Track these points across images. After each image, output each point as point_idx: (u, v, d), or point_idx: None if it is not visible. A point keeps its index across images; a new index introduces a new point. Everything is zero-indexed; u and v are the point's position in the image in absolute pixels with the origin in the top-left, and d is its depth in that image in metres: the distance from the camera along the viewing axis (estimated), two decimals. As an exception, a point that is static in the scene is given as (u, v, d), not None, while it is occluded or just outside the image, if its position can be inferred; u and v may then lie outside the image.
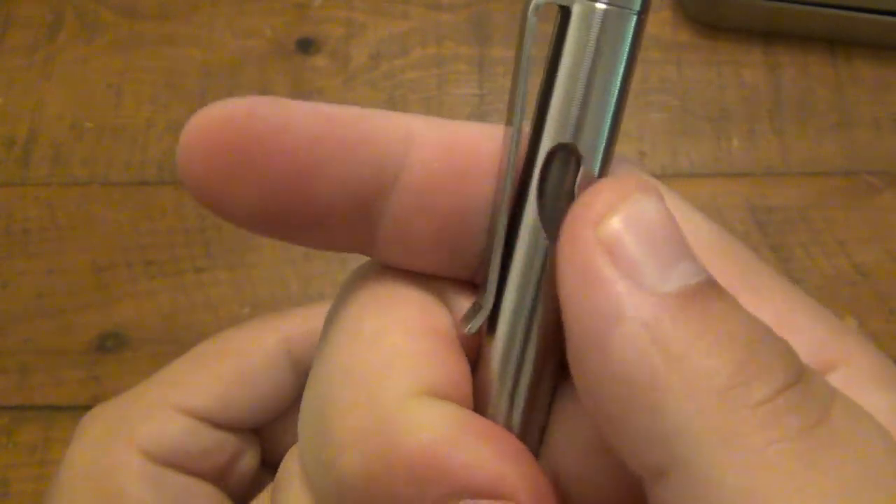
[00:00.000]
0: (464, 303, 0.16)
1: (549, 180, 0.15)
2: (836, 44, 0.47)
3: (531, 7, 0.14)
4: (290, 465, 0.16)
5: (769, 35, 0.47)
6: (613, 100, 0.14)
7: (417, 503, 0.13)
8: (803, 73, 0.46)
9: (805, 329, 0.14)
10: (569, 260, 0.13)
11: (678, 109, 0.45)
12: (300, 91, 0.47)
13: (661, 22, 0.48)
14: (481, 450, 0.13)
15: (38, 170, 0.46)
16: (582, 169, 0.14)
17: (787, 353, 0.13)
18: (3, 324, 0.42)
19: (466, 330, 0.15)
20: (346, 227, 0.15)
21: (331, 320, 0.16)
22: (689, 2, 0.47)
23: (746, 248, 0.16)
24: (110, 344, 0.42)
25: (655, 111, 0.45)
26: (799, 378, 0.12)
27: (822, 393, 0.12)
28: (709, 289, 0.13)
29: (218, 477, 0.27)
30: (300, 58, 0.48)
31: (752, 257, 0.16)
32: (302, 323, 0.28)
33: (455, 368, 0.15)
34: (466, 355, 0.16)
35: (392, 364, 0.14)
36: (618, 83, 0.14)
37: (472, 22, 0.49)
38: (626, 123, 0.53)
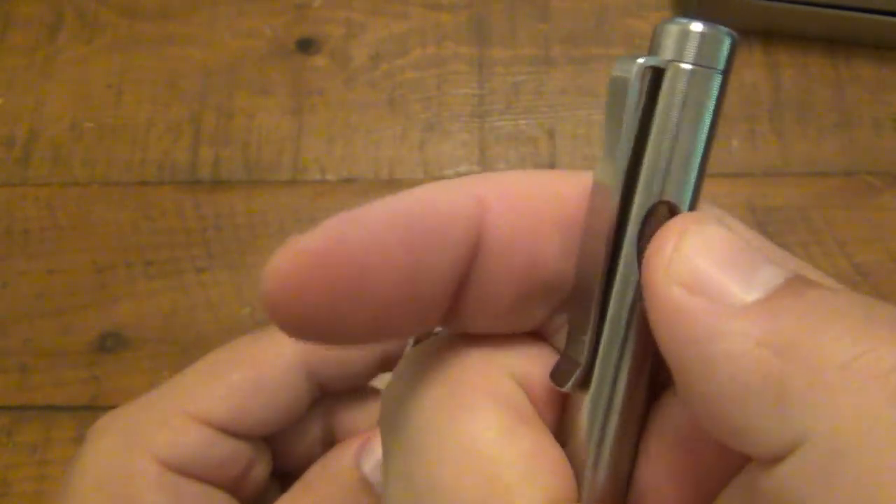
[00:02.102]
0: (526, 364, 0.16)
1: (643, 235, 0.15)
2: (836, 44, 0.47)
3: (635, 71, 0.15)
4: None
5: (769, 35, 0.47)
6: (700, 153, 0.15)
7: None
8: (803, 73, 0.46)
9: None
10: (655, 307, 0.14)
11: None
12: (300, 91, 0.47)
13: (661, 22, 0.48)
14: None
15: (38, 170, 0.46)
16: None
17: None
18: (3, 324, 0.42)
19: (564, 388, 0.15)
20: (428, 312, 0.15)
21: (405, 414, 0.16)
22: (689, 2, 0.47)
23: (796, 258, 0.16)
24: (110, 344, 0.42)
25: (655, 111, 0.45)
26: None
27: None
28: (797, 283, 0.13)
29: (232, 485, 0.27)
30: (300, 58, 0.48)
31: (809, 266, 0.16)
32: None
33: (558, 460, 0.15)
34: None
35: (510, 487, 0.14)
36: (703, 139, 0.15)
37: (472, 22, 0.49)
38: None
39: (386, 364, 0.29)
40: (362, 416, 0.30)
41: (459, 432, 0.15)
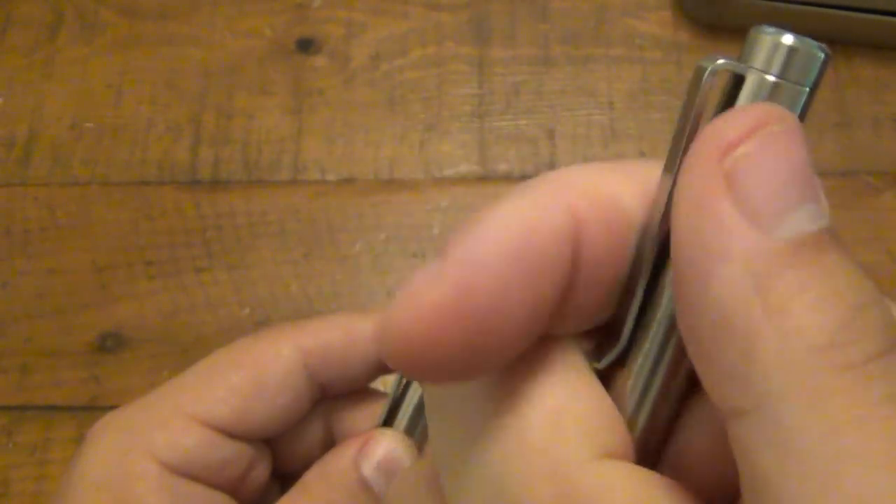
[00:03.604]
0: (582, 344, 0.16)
1: None
2: (836, 44, 0.47)
3: (707, 71, 0.14)
4: None
5: (769, 35, 0.47)
6: None
7: None
8: (803, 73, 0.46)
9: None
10: (687, 186, 0.13)
11: (678, 109, 0.45)
12: (300, 91, 0.47)
13: (661, 22, 0.48)
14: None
15: (38, 170, 0.46)
16: None
17: (888, 321, 0.12)
18: (3, 324, 0.42)
19: (599, 365, 0.15)
20: (542, 328, 0.14)
21: (473, 393, 0.15)
22: (689, 2, 0.47)
23: None
24: (110, 344, 0.42)
25: (655, 111, 0.45)
26: (893, 348, 0.12)
27: None
28: (825, 239, 0.12)
29: (232, 487, 0.27)
30: (300, 58, 0.48)
31: None
32: (318, 334, 0.28)
33: (616, 420, 0.15)
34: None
35: (566, 429, 0.14)
36: None
37: (472, 22, 0.49)
38: (626, 123, 0.53)
39: (386, 366, 0.29)
40: (362, 417, 0.30)
41: (526, 390, 0.15)
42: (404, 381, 0.29)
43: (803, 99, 0.14)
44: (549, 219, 0.14)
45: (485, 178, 0.45)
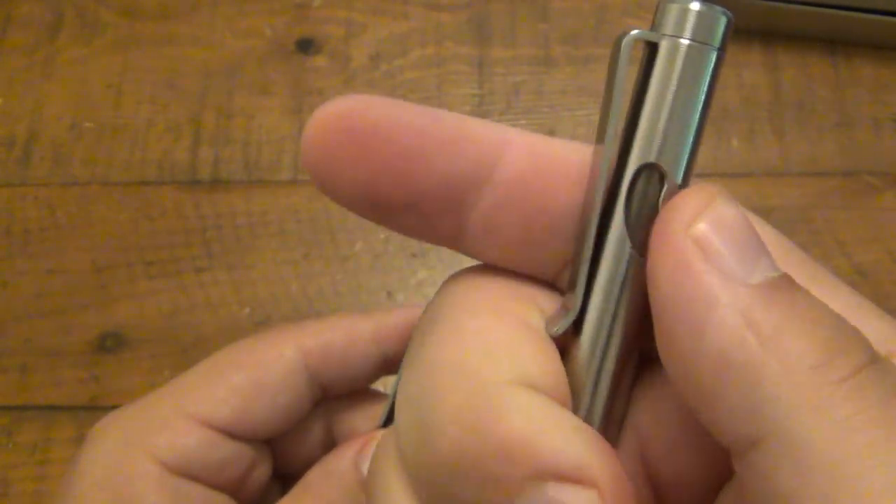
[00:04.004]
0: (548, 306, 0.17)
1: (634, 195, 0.16)
2: (836, 44, 0.47)
3: (625, 41, 0.16)
4: (382, 455, 0.17)
5: (769, 35, 0.47)
6: (694, 124, 0.16)
7: (505, 482, 0.14)
8: (803, 73, 0.46)
9: (870, 322, 0.16)
10: (663, 257, 0.15)
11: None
12: (300, 91, 0.47)
13: (661, 22, 0.48)
14: (570, 439, 0.15)
15: (38, 170, 0.46)
16: (666, 184, 0.16)
17: (862, 337, 0.14)
18: (3, 324, 0.42)
19: (553, 332, 0.16)
20: (439, 214, 0.16)
21: (430, 318, 0.17)
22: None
23: (801, 250, 0.18)
24: (110, 344, 0.42)
25: (655, 111, 0.45)
26: (874, 359, 0.14)
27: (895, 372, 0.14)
28: (787, 282, 0.14)
29: (233, 487, 0.27)
30: (300, 58, 0.48)
31: (810, 258, 0.17)
32: (319, 335, 0.28)
33: (551, 365, 0.16)
34: None
35: (494, 354, 0.15)
36: (698, 110, 0.16)
37: (472, 22, 0.49)
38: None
39: (387, 367, 0.29)
40: (363, 418, 0.30)
41: (470, 320, 0.16)
42: None
43: (713, 58, 0.16)
44: (477, 123, 0.17)
45: (485, 178, 0.45)
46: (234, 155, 0.46)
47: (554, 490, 0.14)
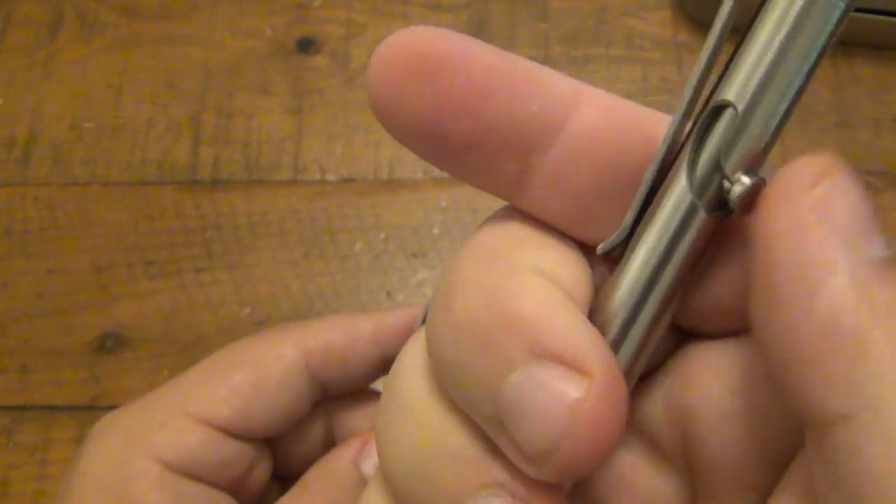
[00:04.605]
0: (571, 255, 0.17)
1: (709, 140, 0.15)
2: (837, 44, 0.47)
3: None
4: (409, 353, 0.18)
5: (769, 35, 0.47)
6: (798, 81, 0.15)
7: (506, 353, 0.15)
8: (803, 73, 0.46)
9: None
10: (778, 215, 0.14)
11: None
12: (300, 91, 0.47)
13: (661, 22, 0.48)
14: (576, 328, 0.15)
15: (38, 170, 0.46)
16: (746, 138, 0.15)
17: None
18: (3, 324, 0.42)
19: (599, 249, 0.16)
20: (504, 158, 0.16)
21: (463, 254, 0.17)
22: (689, 2, 0.47)
23: None
24: (110, 344, 0.42)
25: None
26: None
27: None
28: None
29: (233, 486, 0.27)
30: (300, 58, 0.48)
31: None
32: (319, 334, 0.28)
33: (578, 272, 0.16)
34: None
35: (526, 245, 0.16)
36: (806, 67, 0.15)
37: (472, 22, 0.49)
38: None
39: (386, 366, 0.29)
40: (363, 418, 0.30)
41: (502, 246, 0.16)
42: None
43: (838, 13, 0.15)
44: (552, 73, 0.16)
45: (485, 178, 0.45)
46: (234, 155, 0.46)
47: (549, 369, 0.14)
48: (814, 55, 0.15)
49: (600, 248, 0.16)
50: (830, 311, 0.13)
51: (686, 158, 0.15)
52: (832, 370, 0.13)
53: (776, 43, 0.15)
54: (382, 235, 0.44)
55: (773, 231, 0.14)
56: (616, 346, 0.16)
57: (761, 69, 0.15)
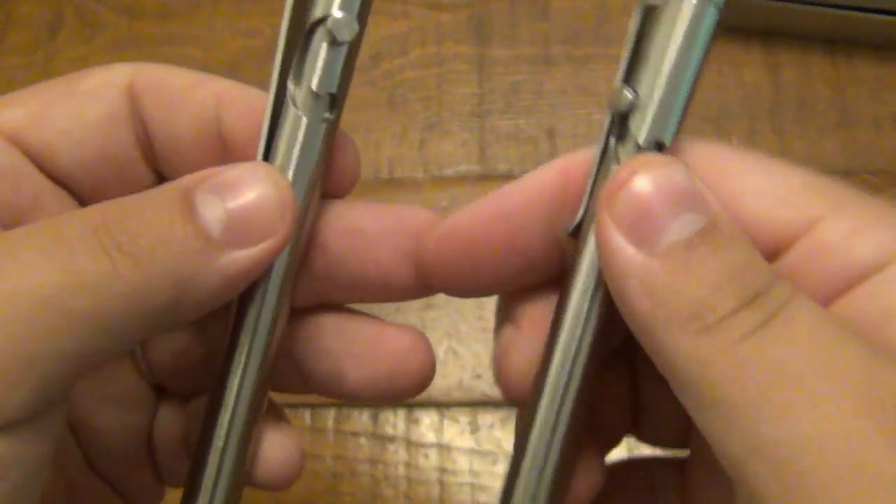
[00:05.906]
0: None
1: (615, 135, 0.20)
2: (836, 44, 0.47)
3: (637, 8, 0.18)
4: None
5: (769, 35, 0.47)
6: (687, 87, 0.19)
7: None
8: (803, 73, 0.46)
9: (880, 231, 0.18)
10: (597, 234, 0.18)
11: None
12: (300, 91, 0.47)
13: (661, 21, 0.48)
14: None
15: (38, 170, 0.46)
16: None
17: (755, 277, 0.16)
18: (4, 323, 0.42)
19: (567, 230, 0.20)
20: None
21: None
22: (689, 1, 0.47)
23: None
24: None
25: (655, 111, 0.45)
26: (756, 296, 0.16)
27: (778, 304, 0.16)
28: (706, 234, 0.17)
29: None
30: (300, 57, 0.48)
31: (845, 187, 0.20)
32: (158, 70, 0.24)
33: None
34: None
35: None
36: (692, 72, 0.18)
37: (472, 22, 0.49)
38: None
39: (225, 139, 0.24)
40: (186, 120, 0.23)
41: None
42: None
43: (713, 14, 0.18)
44: (539, 177, 0.21)
45: (485, 178, 0.45)
46: (234, 155, 0.46)
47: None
48: (698, 59, 0.18)
49: (568, 229, 0.20)
50: (630, 307, 0.17)
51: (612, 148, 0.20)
52: (650, 352, 0.18)
53: (673, 55, 0.18)
54: (382, 235, 0.44)
55: (599, 251, 0.18)
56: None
57: (665, 83, 0.19)
